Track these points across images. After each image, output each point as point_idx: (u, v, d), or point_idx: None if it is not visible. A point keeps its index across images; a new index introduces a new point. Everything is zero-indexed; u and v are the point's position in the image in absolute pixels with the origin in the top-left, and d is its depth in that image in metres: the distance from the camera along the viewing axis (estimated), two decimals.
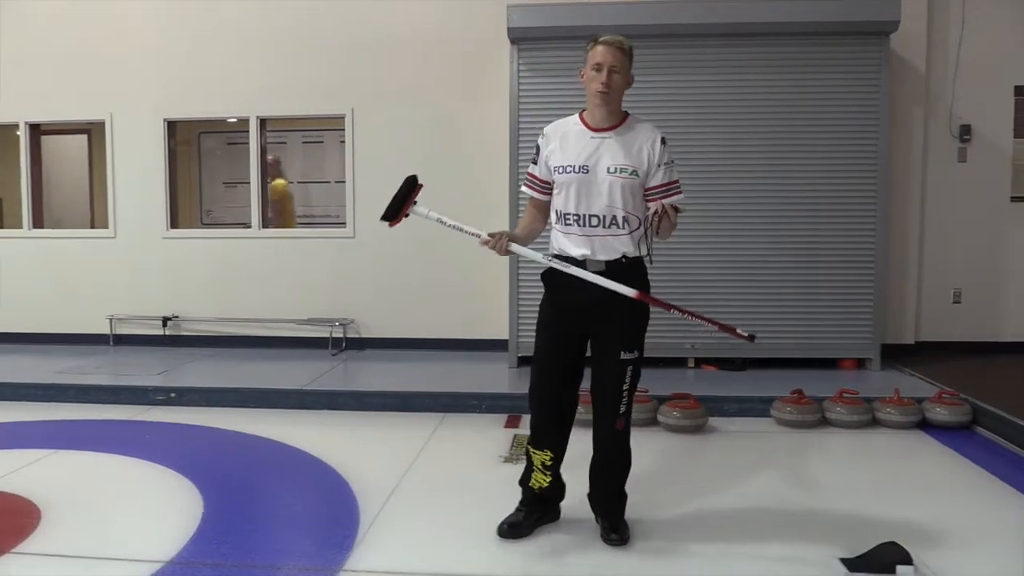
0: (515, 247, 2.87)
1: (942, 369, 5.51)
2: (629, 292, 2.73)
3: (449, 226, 2.86)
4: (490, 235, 2.83)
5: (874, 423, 4.53)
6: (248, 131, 6.60)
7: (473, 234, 2.83)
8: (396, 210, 2.91)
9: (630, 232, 2.83)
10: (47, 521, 3.15)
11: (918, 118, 6.05)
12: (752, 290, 5.65)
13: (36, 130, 7.02)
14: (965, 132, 6.12)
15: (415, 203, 2.93)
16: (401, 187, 2.92)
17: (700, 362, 5.80)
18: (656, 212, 2.67)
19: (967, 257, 6.23)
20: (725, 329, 2.75)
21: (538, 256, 2.88)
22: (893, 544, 2.73)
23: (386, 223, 2.93)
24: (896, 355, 5.94)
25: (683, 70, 5.63)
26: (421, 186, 2.93)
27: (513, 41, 5.63)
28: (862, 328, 5.66)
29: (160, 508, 3.34)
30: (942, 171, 6.17)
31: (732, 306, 5.64)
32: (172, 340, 6.71)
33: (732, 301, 5.64)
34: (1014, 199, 6.20)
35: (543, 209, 3.00)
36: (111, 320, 6.72)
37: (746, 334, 2.72)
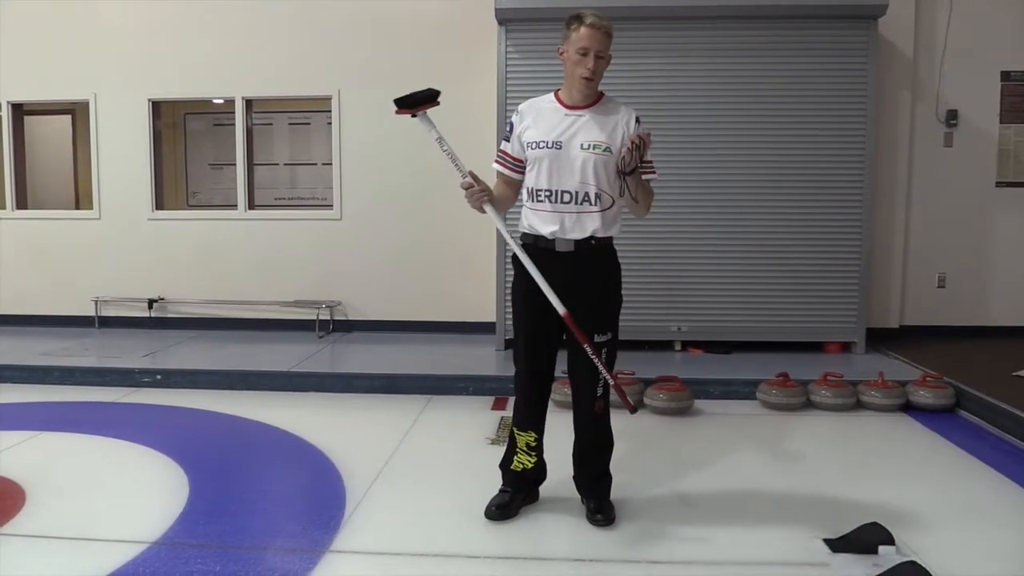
0: (489, 209, 2.84)
1: (926, 353, 5.55)
2: (559, 309, 2.75)
3: (444, 149, 2.83)
4: (473, 179, 2.82)
5: (858, 406, 4.56)
6: (234, 112, 6.56)
7: (460, 169, 2.82)
8: (410, 104, 2.85)
9: (602, 210, 2.81)
10: (32, 502, 3.13)
11: (905, 103, 6.05)
12: (738, 274, 5.66)
13: (19, 110, 6.92)
14: (952, 117, 6.13)
15: (426, 112, 2.88)
16: (424, 90, 2.87)
17: (687, 345, 5.82)
18: (631, 145, 2.65)
19: (952, 242, 6.25)
20: (618, 391, 2.83)
21: (506, 233, 2.86)
22: (876, 525, 2.76)
23: (395, 107, 2.86)
24: (881, 339, 5.98)
25: (670, 53, 5.59)
26: (438, 103, 2.88)
27: (501, 22, 5.59)
28: (847, 312, 5.69)
29: (146, 489, 3.33)
30: (928, 156, 6.18)
31: (718, 290, 5.67)
32: (158, 322, 6.68)
33: (718, 285, 5.67)
34: (999, 184, 6.23)
35: (513, 188, 2.99)
36: (96, 302, 6.68)
37: (632, 403, 2.89)
